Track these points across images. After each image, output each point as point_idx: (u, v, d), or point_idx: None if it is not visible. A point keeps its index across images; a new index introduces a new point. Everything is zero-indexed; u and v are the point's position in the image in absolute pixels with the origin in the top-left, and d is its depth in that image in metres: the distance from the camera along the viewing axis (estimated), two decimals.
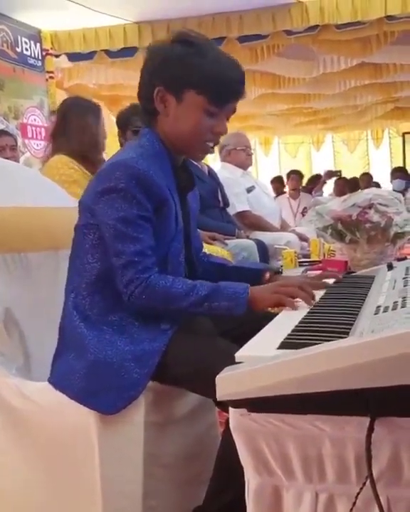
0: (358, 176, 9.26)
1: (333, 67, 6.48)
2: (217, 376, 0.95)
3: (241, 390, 0.95)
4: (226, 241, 3.49)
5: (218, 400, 0.96)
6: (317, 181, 8.49)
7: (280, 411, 0.97)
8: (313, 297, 1.40)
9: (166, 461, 1.50)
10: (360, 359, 0.89)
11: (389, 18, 5.25)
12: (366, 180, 8.80)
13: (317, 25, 5.47)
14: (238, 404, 0.98)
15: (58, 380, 1.44)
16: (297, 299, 1.39)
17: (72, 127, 2.92)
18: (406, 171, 8.64)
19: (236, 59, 1.53)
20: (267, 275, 1.69)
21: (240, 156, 4.19)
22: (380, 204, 2.05)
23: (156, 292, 1.40)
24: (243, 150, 4.17)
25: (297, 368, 0.92)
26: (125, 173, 1.41)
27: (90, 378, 1.40)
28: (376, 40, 5.81)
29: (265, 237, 3.81)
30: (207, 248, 2.83)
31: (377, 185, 8.25)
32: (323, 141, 12.40)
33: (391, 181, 8.40)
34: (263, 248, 3.62)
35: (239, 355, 1.02)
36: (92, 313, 1.48)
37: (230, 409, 1.01)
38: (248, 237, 3.72)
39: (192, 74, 1.46)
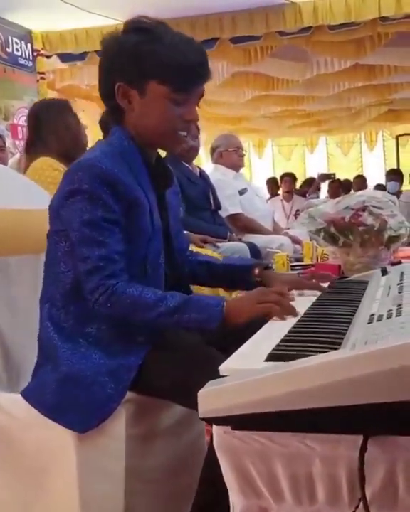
0: (351, 178, 9.21)
1: (327, 69, 6.46)
2: (199, 392, 0.88)
3: (225, 407, 0.87)
4: (218, 244, 3.43)
5: (200, 417, 0.89)
6: (311, 184, 8.44)
7: (267, 429, 0.90)
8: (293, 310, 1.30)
9: (149, 476, 1.42)
10: (353, 373, 0.82)
11: (383, 19, 5.23)
12: (360, 183, 8.76)
13: (311, 27, 5.45)
14: (221, 421, 0.91)
15: (30, 394, 1.37)
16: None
17: (50, 128, 2.85)
18: (400, 173, 8.60)
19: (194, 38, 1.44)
20: (257, 270, 1.61)
21: (232, 158, 4.14)
22: (374, 206, 1.99)
23: (122, 301, 1.31)
24: (235, 151, 4.13)
25: (286, 383, 0.86)
26: (88, 174, 1.33)
27: (61, 393, 1.33)
28: (370, 41, 5.79)
29: (257, 239, 3.77)
30: (198, 251, 2.78)
31: (381, 187, 8.19)
32: (317, 144, 12.38)
33: (386, 183, 8.36)
34: (255, 251, 3.57)
35: (223, 368, 0.95)
36: (67, 324, 1.40)
37: (214, 426, 0.94)
38: (240, 240, 3.66)
39: (150, 64, 1.37)
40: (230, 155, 4.14)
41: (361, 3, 5.16)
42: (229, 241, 3.56)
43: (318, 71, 6.51)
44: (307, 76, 6.65)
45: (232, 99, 7.60)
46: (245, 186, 4.21)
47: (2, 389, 1.48)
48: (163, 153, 1.62)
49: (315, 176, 8.47)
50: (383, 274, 1.58)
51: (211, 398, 0.88)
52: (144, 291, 1.33)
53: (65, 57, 6.26)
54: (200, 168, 3.87)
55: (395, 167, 9.44)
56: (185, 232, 3.26)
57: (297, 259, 3.21)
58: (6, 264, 1.63)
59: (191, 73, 1.40)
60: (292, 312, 1.28)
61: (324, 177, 8.02)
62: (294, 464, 0.92)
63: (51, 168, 2.73)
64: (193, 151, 3.66)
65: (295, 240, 3.86)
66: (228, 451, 0.94)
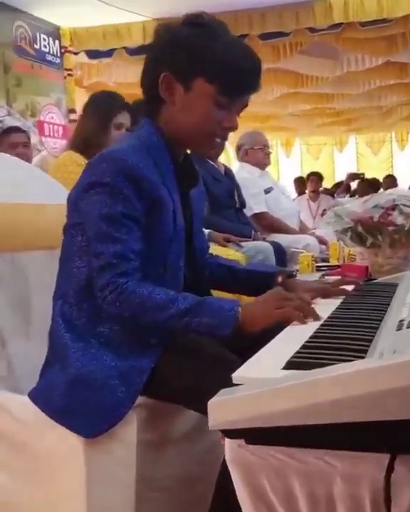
0: (380, 177, 9.06)
1: (357, 66, 6.41)
2: (209, 401, 0.81)
3: (238, 419, 0.80)
4: (242, 243, 3.35)
5: (210, 429, 0.82)
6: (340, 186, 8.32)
7: (284, 444, 0.83)
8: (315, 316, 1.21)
9: (162, 485, 1.35)
10: (379, 386, 0.75)
11: None
12: (390, 183, 8.60)
13: (341, 23, 5.41)
14: (234, 434, 0.84)
15: (38, 395, 1.31)
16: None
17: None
18: None
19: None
20: (280, 279, 1.54)
21: (258, 156, 4.08)
22: (404, 205, 1.90)
23: (130, 300, 1.24)
24: (261, 149, 4.07)
25: (305, 395, 0.78)
26: (112, 167, 1.27)
27: (69, 395, 1.27)
28: (403, 38, 5.73)
29: (282, 239, 3.70)
30: (219, 251, 2.72)
31: None
32: (346, 143, 12.24)
33: None
34: (280, 251, 3.49)
35: (237, 375, 0.87)
36: (79, 322, 1.34)
37: (226, 439, 0.87)
38: (264, 240, 3.58)
39: (203, 60, 1.31)
40: (255, 153, 4.08)
41: (394, 0, 5.06)
42: (253, 240, 3.49)
43: (348, 68, 6.45)
44: (337, 73, 6.60)
45: (260, 96, 7.49)
46: (270, 185, 4.15)
47: (8, 389, 1.42)
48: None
49: (345, 176, 8.35)
50: None
51: (222, 408, 0.81)
52: (155, 291, 1.26)
53: (92, 54, 6.27)
54: (225, 166, 3.82)
55: None
56: (207, 230, 3.25)
57: (324, 260, 3.14)
58: (18, 260, 1.57)
59: (242, 78, 1.33)
60: (315, 317, 1.20)
61: (353, 176, 7.90)
62: (313, 482, 0.84)
63: (75, 164, 2.67)
64: (218, 149, 3.60)
65: (322, 240, 3.78)
66: (242, 466, 0.87)
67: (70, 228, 1.38)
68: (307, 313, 1.20)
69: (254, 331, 1.22)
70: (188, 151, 1.49)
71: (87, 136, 2.74)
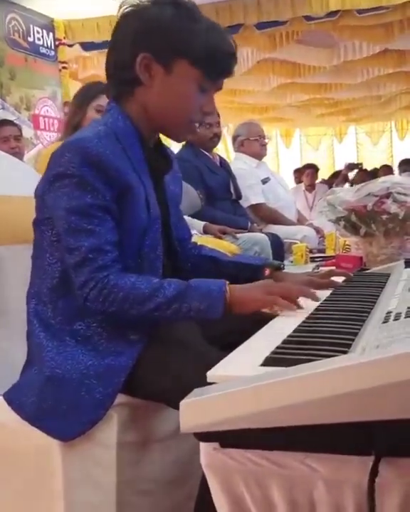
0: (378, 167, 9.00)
1: (355, 55, 6.37)
2: (181, 402, 0.76)
3: (210, 421, 0.74)
4: (238, 235, 3.30)
5: (181, 432, 0.76)
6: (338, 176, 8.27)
7: (261, 447, 0.78)
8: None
9: (144, 488, 1.29)
10: (362, 384, 0.69)
11: None
12: (387, 173, 8.52)
13: (338, 11, 5.33)
14: (207, 437, 0.78)
15: (12, 397, 1.26)
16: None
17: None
18: None
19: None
20: (267, 271, 1.48)
21: (254, 146, 4.05)
22: (398, 193, 1.84)
23: (115, 294, 1.19)
24: (256, 139, 4.04)
25: (283, 394, 0.72)
26: (77, 156, 1.21)
27: (44, 397, 1.21)
28: (400, 25, 5.66)
29: (280, 230, 3.66)
30: (214, 243, 2.66)
31: None
32: (346, 133, 12.18)
33: (400, 174, 8.14)
34: (277, 243, 3.44)
35: (211, 374, 0.82)
36: (54, 321, 1.28)
37: (201, 443, 0.81)
38: (260, 231, 3.53)
39: (188, 42, 1.26)
40: (251, 144, 4.06)
41: None
42: (250, 232, 3.44)
43: (346, 57, 6.40)
44: (335, 62, 6.56)
45: (257, 87, 7.52)
46: (268, 175, 4.12)
47: None
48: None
49: (343, 167, 8.29)
50: (406, 267, 1.46)
51: (194, 410, 0.75)
52: (138, 281, 1.21)
53: (87, 46, 6.22)
54: (220, 157, 3.77)
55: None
56: (202, 223, 3.20)
57: (320, 251, 3.09)
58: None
59: (225, 62, 1.32)
60: (300, 307, 1.17)
61: (351, 167, 7.83)
62: (293, 488, 0.79)
63: None
64: (216, 139, 3.56)
65: (320, 231, 3.74)
66: (218, 472, 0.82)
67: (39, 223, 1.32)
68: (294, 302, 1.20)
69: (243, 313, 1.21)
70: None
71: (72, 125, 2.74)
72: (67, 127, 2.84)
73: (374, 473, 0.74)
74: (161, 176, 1.40)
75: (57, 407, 1.20)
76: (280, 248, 3.45)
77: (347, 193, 1.97)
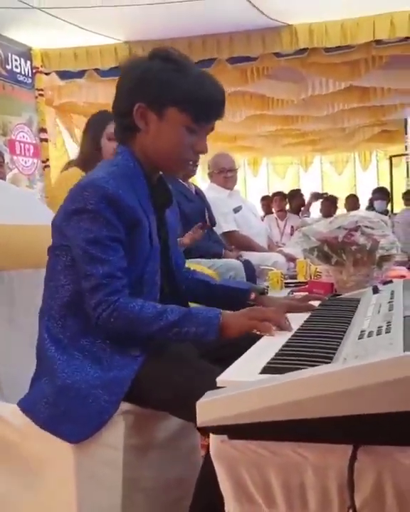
0: (343, 196, 9.27)
1: (322, 90, 6.53)
2: (197, 401, 0.93)
3: (222, 416, 0.92)
4: (213, 260, 3.47)
5: (198, 426, 0.94)
6: (295, 196, 8.51)
7: (262, 438, 0.95)
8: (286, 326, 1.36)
9: (145, 486, 1.46)
10: (343, 386, 0.87)
11: (378, 42, 5.30)
12: (352, 202, 8.83)
13: (307, 48, 5.51)
14: (218, 430, 0.95)
15: (27, 405, 1.42)
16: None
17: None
18: (386, 191, 8.71)
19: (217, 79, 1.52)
20: (253, 295, 1.67)
21: (219, 179, 4.23)
22: (366, 226, 2.04)
23: (124, 316, 1.37)
24: (220, 172, 4.19)
25: (280, 394, 0.90)
26: (95, 194, 1.38)
27: (55, 405, 1.38)
28: (365, 63, 5.87)
29: (252, 257, 3.82)
30: (193, 267, 2.82)
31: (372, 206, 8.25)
32: (311, 163, 12.49)
33: (373, 202, 8.45)
34: (249, 268, 3.61)
35: (221, 379, 1.00)
36: (64, 336, 1.45)
37: (211, 435, 0.98)
38: (237, 258, 3.70)
39: (175, 91, 1.44)
40: (217, 176, 4.24)
41: (357, 27, 5.22)
42: (224, 257, 3.61)
43: (313, 92, 6.58)
44: (303, 96, 6.72)
45: (228, 118, 7.64)
46: (240, 204, 4.27)
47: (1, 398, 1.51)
48: None
49: (307, 193, 8.55)
50: (374, 293, 1.62)
51: (208, 408, 0.93)
52: (145, 306, 1.38)
53: (63, 75, 6.29)
54: (196, 186, 3.93)
55: (381, 186, 9.53)
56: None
57: (291, 277, 3.25)
58: (8, 277, 1.67)
59: (211, 107, 1.49)
60: (286, 328, 1.34)
61: (317, 196, 8.09)
62: (287, 473, 0.96)
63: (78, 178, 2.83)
64: (192, 168, 3.71)
65: (290, 258, 3.91)
66: (225, 460, 0.98)
67: (54, 249, 1.49)
68: (277, 324, 1.36)
69: (231, 337, 1.38)
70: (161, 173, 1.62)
71: (84, 153, 2.96)
72: (78, 155, 3.06)
73: (353, 458, 0.91)
74: (163, 210, 1.58)
75: (68, 414, 1.36)
76: (252, 273, 3.63)
77: (319, 225, 2.16)
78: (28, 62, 6.08)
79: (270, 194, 9.57)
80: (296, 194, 8.69)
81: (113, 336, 1.41)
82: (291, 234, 7.32)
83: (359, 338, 1.11)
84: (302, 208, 8.10)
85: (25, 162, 5.95)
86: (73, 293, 1.44)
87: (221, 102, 1.50)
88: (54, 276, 1.48)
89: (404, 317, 1.18)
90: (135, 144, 1.51)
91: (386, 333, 1.08)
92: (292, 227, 7.52)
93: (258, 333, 1.39)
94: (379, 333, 1.10)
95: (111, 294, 1.37)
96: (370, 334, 1.11)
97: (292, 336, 1.27)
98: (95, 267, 1.37)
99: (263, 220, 6.84)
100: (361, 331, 1.16)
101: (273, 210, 8.26)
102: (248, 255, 3.86)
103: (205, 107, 1.47)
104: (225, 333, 1.37)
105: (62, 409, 1.37)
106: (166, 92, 1.45)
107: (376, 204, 8.15)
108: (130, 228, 1.42)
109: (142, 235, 1.45)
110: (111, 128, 2.84)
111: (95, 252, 1.37)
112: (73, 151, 7.25)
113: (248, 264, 3.61)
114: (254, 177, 12.51)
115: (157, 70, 1.45)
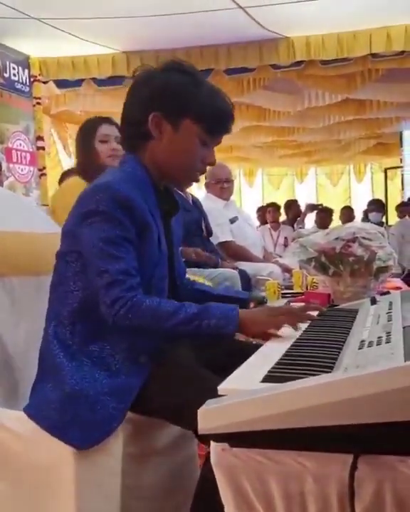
0: (338, 207, 9.31)
1: (318, 102, 6.58)
2: (199, 409, 0.94)
3: (224, 424, 0.93)
4: (209, 270, 3.48)
5: (199, 433, 0.94)
6: (290, 206, 8.55)
7: (263, 446, 0.95)
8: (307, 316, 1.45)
9: (143, 494, 1.46)
10: (344, 395, 0.88)
11: (374, 55, 5.36)
12: (347, 214, 8.87)
13: (303, 61, 5.56)
14: (220, 438, 0.96)
15: (33, 410, 1.41)
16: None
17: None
18: (381, 203, 8.76)
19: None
20: (253, 304, 1.68)
21: (215, 189, 4.25)
22: (363, 238, 2.06)
23: (142, 311, 1.36)
24: (217, 183, 4.22)
25: (281, 403, 0.91)
26: (107, 196, 1.39)
27: (64, 410, 1.37)
28: (361, 76, 5.93)
29: (247, 267, 3.82)
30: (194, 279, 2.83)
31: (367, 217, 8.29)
32: (306, 174, 12.54)
33: (368, 214, 8.50)
34: (245, 278, 3.62)
35: (222, 388, 1.00)
36: (73, 342, 1.45)
37: (212, 443, 0.99)
38: (234, 268, 3.71)
39: (192, 104, 1.47)
40: (213, 187, 4.25)
41: (353, 40, 5.28)
42: (220, 267, 3.61)
43: (309, 104, 6.63)
44: (299, 108, 6.77)
45: None
46: (236, 214, 4.28)
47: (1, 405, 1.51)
48: None
49: (303, 205, 8.59)
50: (372, 304, 1.64)
51: (210, 416, 0.94)
52: (163, 301, 1.40)
53: (61, 84, 6.32)
54: (193, 196, 3.94)
55: (376, 198, 9.59)
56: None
57: (287, 287, 3.26)
58: (10, 284, 1.67)
59: (223, 120, 1.52)
60: (305, 318, 1.45)
61: (312, 207, 8.12)
62: (287, 481, 0.96)
63: (80, 187, 2.83)
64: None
65: (285, 269, 3.92)
66: (225, 468, 0.99)
67: (64, 255, 1.49)
68: (299, 316, 1.44)
69: (253, 333, 1.42)
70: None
71: (80, 161, 2.95)
72: (78, 164, 3.02)
73: (353, 468, 0.92)
74: (169, 218, 1.59)
75: (76, 420, 1.35)
76: (247, 283, 3.64)
77: (317, 236, 2.18)
78: (26, 71, 6.11)
79: (265, 205, 9.61)
80: (293, 204, 8.75)
81: (115, 341, 1.41)
82: (284, 245, 7.36)
83: (359, 348, 1.12)
84: (298, 219, 8.13)
85: (22, 170, 5.96)
86: (83, 299, 1.45)
87: (232, 116, 1.54)
88: (63, 282, 1.48)
89: (404, 327, 1.19)
90: (145, 152, 1.53)
91: (386, 343, 1.09)
92: (285, 238, 7.57)
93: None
94: (379, 343, 1.11)
95: (128, 290, 1.37)
96: (370, 344, 1.12)
97: (293, 345, 1.28)
98: (109, 263, 1.37)
99: (257, 230, 6.86)
100: (361, 341, 1.17)
101: (268, 220, 8.29)
102: (243, 265, 3.87)
103: (219, 120, 1.51)
104: (245, 325, 1.40)
105: (70, 415, 1.36)
106: (185, 104, 1.48)
107: (372, 216, 8.19)
108: (141, 231, 1.43)
109: (151, 240, 1.46)
110: (102, 130, 2.86)
111: (109, 249, 1.38)
112: (66, 161, 7.29)
113: (243, 274, 3.62)
114: (250, 187, 12.54)
115: (176, 82, 1.48)
